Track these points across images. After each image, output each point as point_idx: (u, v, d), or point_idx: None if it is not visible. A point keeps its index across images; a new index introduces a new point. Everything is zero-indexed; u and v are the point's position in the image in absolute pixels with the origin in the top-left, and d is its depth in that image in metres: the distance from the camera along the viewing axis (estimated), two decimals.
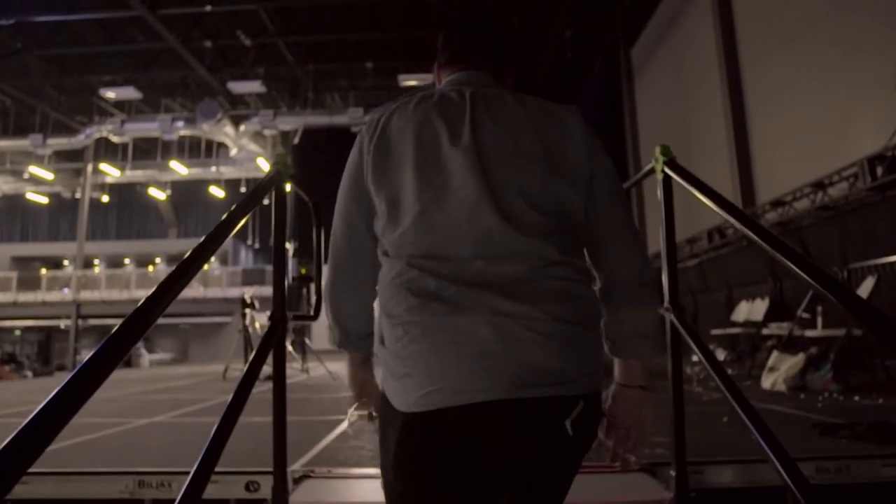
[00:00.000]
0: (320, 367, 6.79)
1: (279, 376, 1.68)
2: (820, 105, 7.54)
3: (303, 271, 7.01)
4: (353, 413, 1.16)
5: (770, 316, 6.97)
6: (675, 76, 12.85)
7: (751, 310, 7.51)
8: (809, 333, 4.71)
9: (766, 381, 4.17)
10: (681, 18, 12.50)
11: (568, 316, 0.90)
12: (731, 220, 1.26)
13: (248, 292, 6.87)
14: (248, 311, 6.70)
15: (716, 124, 10.53)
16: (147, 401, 4.96)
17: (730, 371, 5.90)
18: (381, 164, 0.98)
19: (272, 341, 1.59)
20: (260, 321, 8.76)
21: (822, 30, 7.55)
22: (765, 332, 5.74)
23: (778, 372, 4.04)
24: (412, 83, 17.11)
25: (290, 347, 7.80)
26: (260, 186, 1.51)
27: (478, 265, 0.89)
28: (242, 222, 1.34)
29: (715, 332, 7.78)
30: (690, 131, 12.08)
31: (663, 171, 1.58)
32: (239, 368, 6.52)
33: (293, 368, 6.70)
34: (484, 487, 0.90)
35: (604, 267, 1.01)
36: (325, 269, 1.14)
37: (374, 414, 1.11)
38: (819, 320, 4.80)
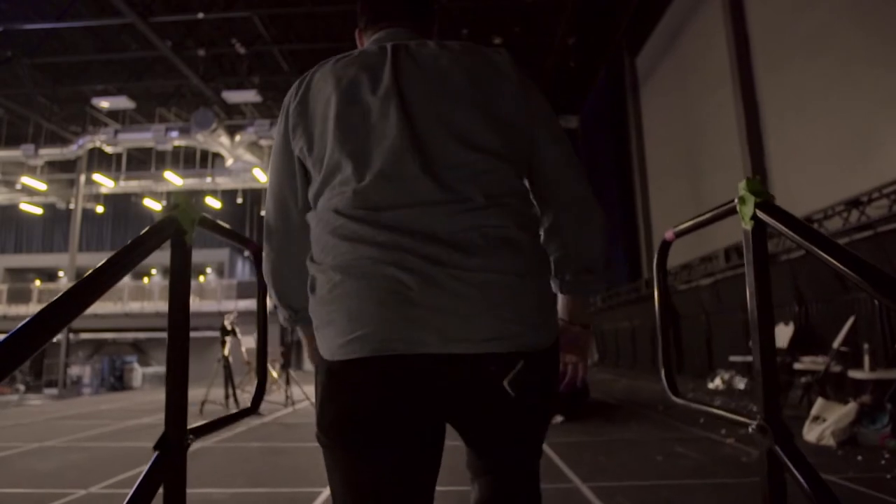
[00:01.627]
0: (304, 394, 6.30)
1: None
2: (843, 119, 7.05)
3: None
4: None
5: (796, 343, 6.43)
6: (684, 86, 12.39)
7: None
8: (856, 375, 4.18)
9: (811, 433, 3.63)
10: (689, 26, 12.06)
11: (505, 266, 0.86)
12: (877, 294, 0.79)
13: (229, 318, 6.31)
14: (228, 339, 6.12)
15: (728, 137, 10.04)
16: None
17: (754, 407, 5.36)
18: (303, 124, 0.96)
19: None
20: (246, 345, 8.23)
21: (844, 39, 7.08)
22: (797, 366, 5.21)
23: (825, 424, 3.51)
24: None
25: (273, 373, 7.24)
26: (146, 238, 1.00)
27: (406, 213, 0.86)
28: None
29: (734, 358, 7.24)
30: (700, 144, 11.59)
31: (754, 218, 1.06)
32: (219, 402, 5.99)
33: (272, 403, 6.11)
34: (411, 445, 0.85)
35: (551, 205, 0.99)
36: (263, 250, 1.08)
37: None
38: (866, 359, 4.27)
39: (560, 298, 1.03)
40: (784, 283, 7.02)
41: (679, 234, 1.51)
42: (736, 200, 1.12)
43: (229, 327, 6.10)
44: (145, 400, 8.47)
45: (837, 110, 7.21)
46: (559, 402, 5.17)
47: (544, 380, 0.90)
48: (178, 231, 1.09)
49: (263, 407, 6.36)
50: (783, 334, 6.73)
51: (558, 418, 4.93)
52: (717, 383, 7.54)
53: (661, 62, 13.70)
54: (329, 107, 0.94)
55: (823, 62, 7.53)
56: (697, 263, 9.67)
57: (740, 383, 7.37)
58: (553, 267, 0.99)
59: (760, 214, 1.05)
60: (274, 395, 6.65)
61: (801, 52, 8.09)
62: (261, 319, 1.66)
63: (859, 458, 3.22)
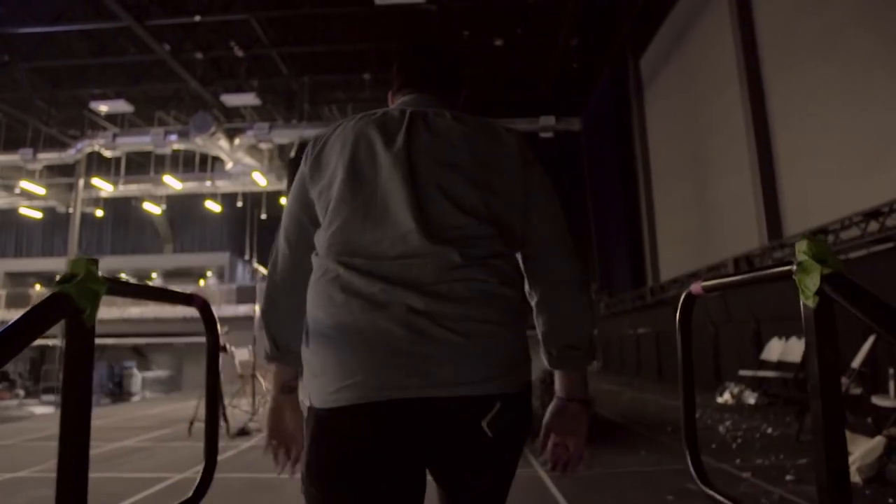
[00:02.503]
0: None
1: None
2: (858, 124, 6.80)
3: None
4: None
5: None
6: (689, 88, 12.13)
7: (785, 349, 6.71)
8: (882, 402, 3.92)
9: None
10: (694, 27, 11.80)
11: (486, 316, 0.92)
12: None
13: (220, 332, 6.08)
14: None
15: (735, 140, 9.77)
16: None
17: (769, 429, 5.09)
18: (319, 171, 1.04)
19: None
20: (240, 357, 7.99)
21: (858, 42, 6.83)
22: None
23: (849, 458, 3.26)
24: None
25: (265, 385, 6.98)
26: (26, 326, 0.76)
27: (399, 264, 0.92)
28: None
29: (744, 373, 6.98)
30: (706, 148, 11.33)
31: (819, 293, 0.82)
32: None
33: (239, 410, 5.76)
34: (395, 488, 0.90)
35: (540, 282, 1.05)
36: (265, 283, 1.11)
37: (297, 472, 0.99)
38: (892, 385, 4.01)
39: (556, 375, 1.07)
40: (796, 295, 6.74)
41: (709, 290, 1.27)
42: (794, 267, 0.86)
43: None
44: (137, 415, 8.24)
45: (851, 115, 6.95)
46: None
47: (516, 420, 0.94)
48: (74, 310, 0.85)
49: (252, 426, 6.13)
50: (796, 349, 6.46)
51: None
52: (725, 398, 7.27)
53: (665, 64, 13.44)
54: (342, 157, 1.00)
55: (836, 64, 7.28)
56: (704, 272, 9.39)
57: (750, 398, 7.10)
58: (541, 340, 1.06)
59: (830, 290, 0.80)
60: (263, 411, 6.41)
61: (812, 53, 7.83)
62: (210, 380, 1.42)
63: (890, 500, 2.96)
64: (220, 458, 3.85)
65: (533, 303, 1.06)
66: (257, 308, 20.72)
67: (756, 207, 8.91)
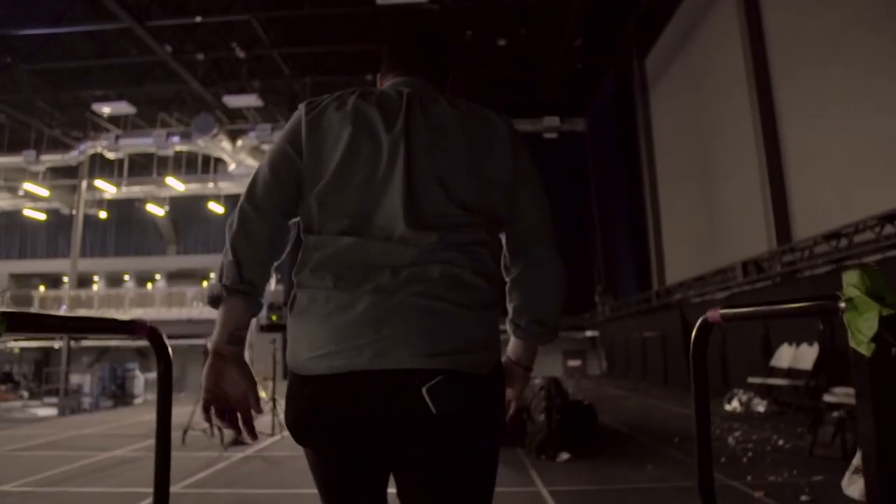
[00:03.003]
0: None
1: None
2: (870, 125, 6.60)
3: (273, 318, 6.04)
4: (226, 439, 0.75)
5: (822, 366, 5.97)
6: (695, 88, 11.93)
7: (795, 356, 6.52)
8: None
9: (853, 488, 3.20)
10: (701, 26, 11.60)
11: (451, 297, 0.95)
12: None
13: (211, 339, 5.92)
14: None
15: (743, 141, 9.58)
16: None
17: (780, 441, 4.91)
18: (318, 133, 1.03)
19: None
20: None
21: (869, 41, 6.64)
22: (828, 398, 4.77)
23: None
24: None
25: (263, 393, 6.85)
26: None
27: (383, 247, 0.97)
28: None
29: (753, 380, 6.79)
30: (713, 149, 11.13)
31: (877, 339, 0.65)
32: (203, 430, 5.61)
33: (258, 431, 5.65)
34: (362, 452, 0.98)
35: (521, 259, 1.10)
36: (239, 211, 1.04)
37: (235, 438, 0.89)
38: None
39: (511, 341, 1.15)
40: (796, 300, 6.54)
41: (728, 319, 1.11)
42: (842, 304, 0.70)
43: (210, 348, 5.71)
44: (132, 421, 8.11)
45: (864, 115, 6.75)
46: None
47: (471, 402, 0.94)
48: None
49: (248, 437, 5.96)
50: (807, 355, 6.28)
51: (564, 455, 4.51)
52: (734, 405, 7.08)
53: (671, 64, 13.25)
54: (342, 135, 1.01)
55: (847, 63, 7.08)
56: (711, 276, 9.20)
57: (759, 406, 6.91)
58: (511, 312, 1.11)
59: (892, 336, 0.64)
60: (261, 418, 6.25)
61: (822, 52, 7.64)
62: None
63: None
64: (209, 471, 3.69)
65: (509, 278, 1.11)
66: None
67: (764, 210, 8.71)
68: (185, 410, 5.60)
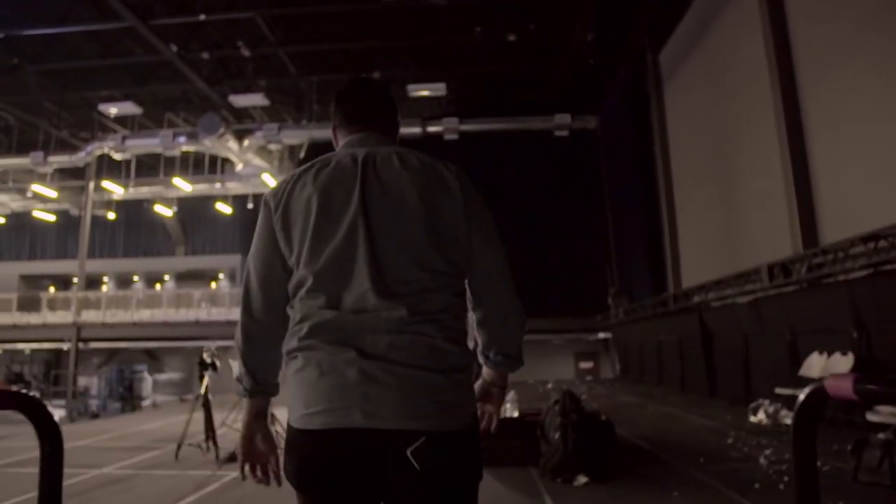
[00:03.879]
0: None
1: None
2: None
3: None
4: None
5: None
6: (713, 84, 11.50)
7: (827, 366, 6.12)
8: None
9: None
10: (719, 18, 11.17)
11: (427, 364, 1.08)
12: None
13: (209, 349, 5.61)
14: (207, 374, 5.39)
15: (765, 139, 9.15)
16: None
17: (817, 462, 4.51)
18: (287, 224, 1.17)
19: None
20: (238, 370, 7.57)
21: None
22: (871, 418, 4.38)
23: None
24: (423, 93, 16.04)
25: None
26: None
27: (358, 318, 1.09)
28: None
29: (782, 391, 6.39)
30: (732, 147, 10.70)
31: None
32: (197, 444, 5.32)
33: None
34: (353, 499, 1.09)
35: (483, 304, 1.23)
36: (240, 320, 1.20)
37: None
38: None
39: (484, 369, 1.32)
40: (839, 307, 6.15)
41: (864, 397, 0.77)
42: None
43: (208, 360, 5.40)
44: (128, 431, 7.85)
45: None
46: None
47: (449, 457, 1.08)
48: None
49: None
50: (840, 366, 5.88)
51: (581, 479, 4.17)
52: (760, 417, 6.69)
53: (686, 58, 12.81)
54: (309, 216, 1.15)
55: (879, 54, 6.66)
56: (732, 280, 8.78)
57: (787, 418, 6.51)
58: (479, 346, 1.28)
59: None
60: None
61: (851, 43, 7.21)
62: None
63: None
64: (201, 492, 3.34)
65: (475, 318, 1.24)
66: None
67: (788, 210, 8.28)
68: (181, 419, 5.33)
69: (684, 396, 10.01)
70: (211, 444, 5.23)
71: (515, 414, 5.19)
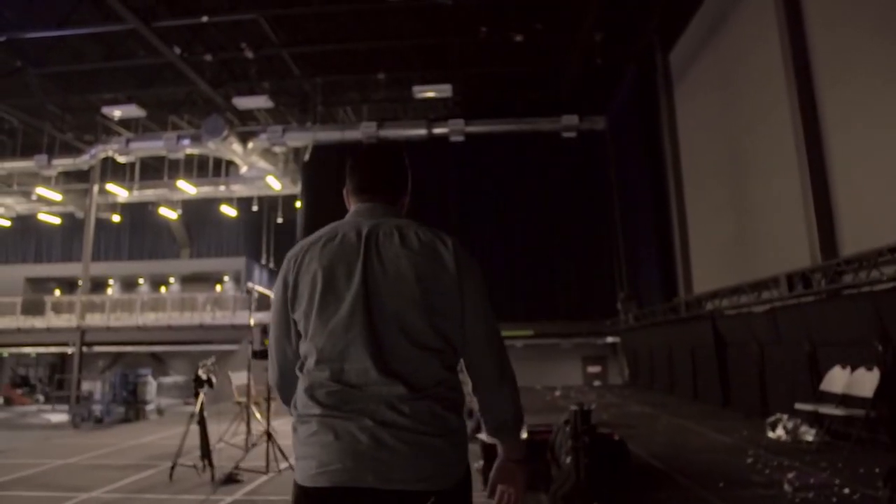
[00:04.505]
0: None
1: None
2: None
3: (266, 343, 5.51)
4: None
5: (884, 392, 5.30)
6: (725, 83, 11.20)
7: (850, 381, 5.83)
8: None
9: None
10: (731, 16, 10.87)
11: (429, 430, 1.22)
12: None
13: (205, 365, 5.37)
14: (203, 391, 5.14)
15: (780, 142, 8.86)
16: None
17: (846, 489, 4.25)
18: (296, 301, 1.31)
19: None
20: (237, 381, 7.40)
21: None
22: None
23: None
24: (429, 95, 15.79)
25: (258, 415, 6.33)
26: None
27: (362, 391, 1.23)
28: None
29: (802, 406, 6.11)
30: (744, 150, 10.40)
31: None
32: (193, 465, 5.11)
33: (249, 471, 5.01)
34: None
35: (474, 374, 1.36)
36: (269, 369, 1.43)
37: None
38: None
39: (499, 446, 1.40)
40: (863, 319, 5.86)
41: None
42: None
43: (204, 376, 5.16)
44: (125, 445, 7.66)
45: None
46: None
47: None
48: None
49: (242, 471, 5.47)
50: (866, 381, 5.59)
51: None
52: (779, 433, 6.40)
53: (698, 57, 12.51)
54: (314, 292, 1.28)
55: None
56: (748, 289, 8.49)
57: (807, 434, 6.23)
58: (478, 412, 1.39)
59: None
60: (254, 453, 5.67)
61: (874, 38, 6.92)
62: None
63: None
64: None
65: (471, 385, 1.38)
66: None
67: (805, 216, 7.98)
68: (180, 432, 5.11)
69: (697, 406, 9.72)
70: (206, 464, 5.01)
71: (524, 434, 4.95)
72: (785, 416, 6.58)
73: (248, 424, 6.10)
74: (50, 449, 7.28)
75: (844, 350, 6.17)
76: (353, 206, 1.43)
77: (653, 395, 11.85)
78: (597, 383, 18.36)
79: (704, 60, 12.18)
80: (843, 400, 5.76)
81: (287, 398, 1.35)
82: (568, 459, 4.20)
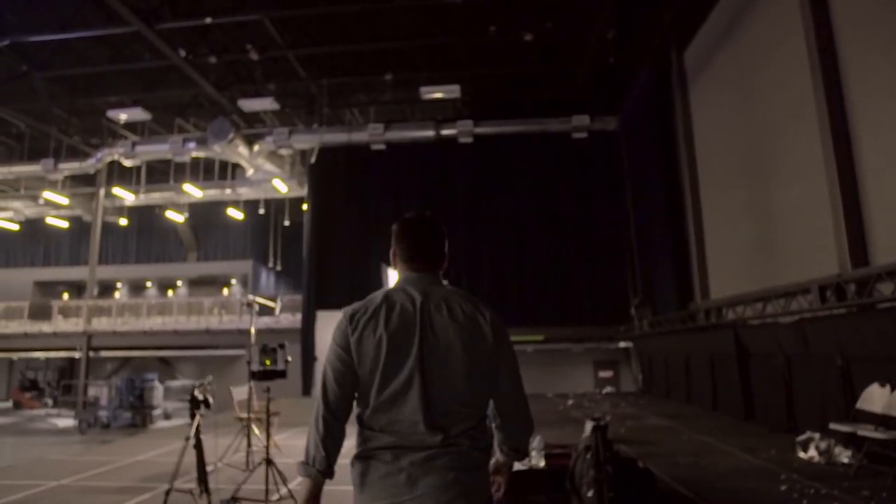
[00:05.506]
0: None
1: None
2: None
3: (266, 363, 5.20)
4: None
5: None
6: (744, 83, 10.79)
7: (890, 401, 5.44)
8: None
9: None
10: (751, 12, 10.47)
11: (461, 467, 1.57)
12: None
13: (203, 384, 5.08)
14: (199, 413, 4.84)
15: (803, 143, 8.46)
16: None
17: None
18: (362, 357, 1.63)
19: None
20: (237, 396, 7.11)
21: None
22: None
23: None
24: (437, 96, 15.46)
25: (256, 431, 6.04)
26: None
27: (410, 438, 1.58)
28: None
29: (837, 427, 5.72)
30: (765, 151, 9.98)
31: None
32: (189, 490, 4.81)
33: (247, 500, 4.72)
34: None
35: (501, 416, 1.75)
36: (320, 410, 1.64)
37: None
38: None
39: (498, 454, 1.83)
40: (888, 334, 5.48)
41: None
42: None
43: (200, 397, 4.86)
44: (122, 462, 7.40)
45: None
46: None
47: None
48: None
49: (243, 494, 5.19)
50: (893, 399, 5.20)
51: None
52: (811, 454, 6.02)
53: (714, 55, 12.10)
54: (380, 354, 1.62)
55: None
56: (774, 298, 8.09)
57: (842, 455, 5.85)
58: (496, 440, 1.81)
59: None
60: (255, 474, 5.38)
61: None
62: None
63: None
64: None
65: (496, 424, 1.77)
66: (281, 319, 20.01)
67: (834, 222, 7.57)
68: (177, 447, 4.80)
69: (717, 418, 9.33)
70: (203, 490, 4.72)
71: (542, 464, 4.61)
72: (817, 436, 6.20)
73: (249, 440, 5.77)
74: (46, 467, 7.03)
75: (882, 367, 5.77)
76: (402, 272, 1.77)
77: (669, 405, 11.45)
78: (609, 389, 17.94)
79: (721, 58, 11.77)
80: (884, 421, 5.36)
81: (338, 429, 1.64)
82: (590, 493, 3.86)
